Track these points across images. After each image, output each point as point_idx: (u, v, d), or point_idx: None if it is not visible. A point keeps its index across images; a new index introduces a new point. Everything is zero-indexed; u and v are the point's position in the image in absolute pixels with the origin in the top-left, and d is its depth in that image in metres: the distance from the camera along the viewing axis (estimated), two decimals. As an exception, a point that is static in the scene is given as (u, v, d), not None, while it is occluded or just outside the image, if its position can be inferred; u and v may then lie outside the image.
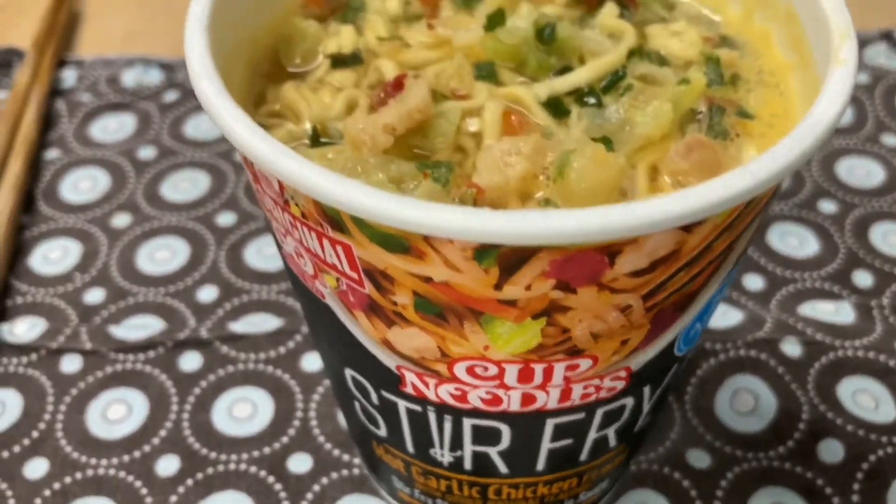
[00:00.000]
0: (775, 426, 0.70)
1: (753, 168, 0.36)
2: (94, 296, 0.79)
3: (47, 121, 0.96)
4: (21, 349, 0.75)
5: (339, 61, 0.51)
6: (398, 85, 0.48)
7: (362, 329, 0.44)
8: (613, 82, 0.49)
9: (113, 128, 0.96)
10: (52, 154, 0.93)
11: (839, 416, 0.70)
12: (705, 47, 0.51)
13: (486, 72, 0.49)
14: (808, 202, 0.87)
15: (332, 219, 0.38)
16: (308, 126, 0.47)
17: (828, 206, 0.87)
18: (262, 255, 0.83)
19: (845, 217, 0.86)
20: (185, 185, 0.90)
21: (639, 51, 0.50)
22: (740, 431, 0.70)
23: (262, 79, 0.51)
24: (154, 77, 1.01)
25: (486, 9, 0.53)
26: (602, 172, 0.42)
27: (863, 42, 1.03)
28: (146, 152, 0.93)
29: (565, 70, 0.50)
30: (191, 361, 0.74)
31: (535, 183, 0.44)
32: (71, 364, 0.74)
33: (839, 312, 0.77)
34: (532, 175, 0.44)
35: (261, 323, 0.77)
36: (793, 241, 0.84)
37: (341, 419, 0.71)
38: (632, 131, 0.46)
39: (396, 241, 0.37)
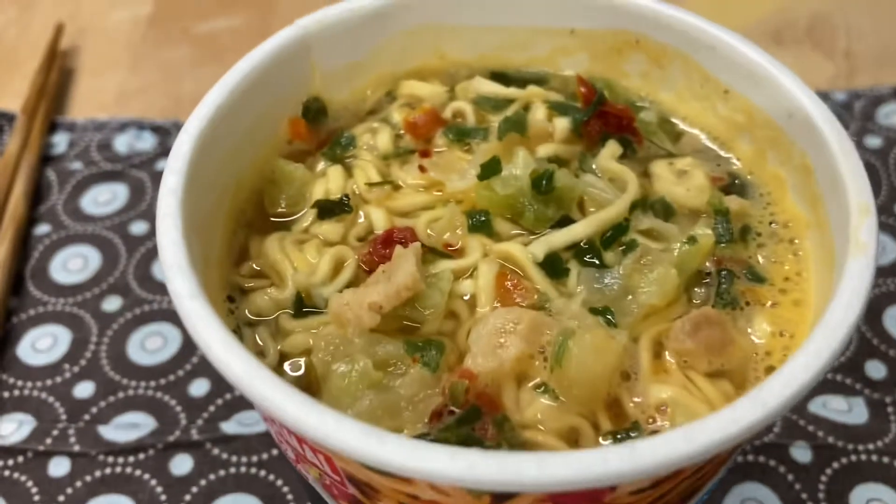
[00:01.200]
0: (785, 541, 0.68)
1: (765, 396, 0.33)
2: (84, 389, 0.77)
3: (37, 191, 0.94)
4: (8, 451, 0.73)
5: (325, 210, 0.48)
6: (388, 241, 0.45)
7: (348, 513, 0.42)
8: (615, 237, 0.46)
9: (104, 199, 0.93)
10: (42, 229, 0.90)
11: (852, 530, 0.68)
12: (714, 193, 0.48)
13: (481, 223, 0.47)
14: (820, 283, 0.84)
15: (313, 434, 0.36)
16: (291, 292, 0.44)
17: (840, 287, 0.84)
18: (255, 343, 0.81)
19: (858, 299, 0.83)
20: (177, 264, 0.87)
21: (642, 202, 0.47)
22: (748, 546, 0.68)
23: (245, 229, 0.48)
24: (147, 142, 0.98)
25: (480, 145, 0.50)
26: (603, 359, 0.40)
27: (875, 101, 0.99)
28: (138, 227, 0.90)
29: (564, 220, 0.47)
30: (182, 465, 0.72)
31: (532, 364, 0.42)
32: (59, 467, 0.72)
33: (852, 411, 0.74)
34: (528, 356, 0.41)
35: (253, 423, 0.74)
36: (804, 327, 0.81)
37: (335, 531, 0.69)
38: (635, 300, 0.43)
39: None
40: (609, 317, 0.43)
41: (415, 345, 0.41)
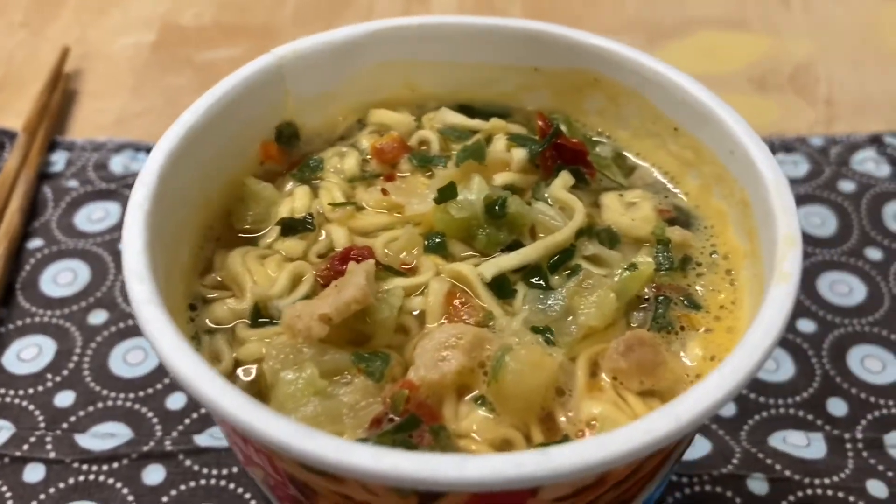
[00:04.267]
0: (738, 570, 0.69)
1: (679, 410, 0.35)
2: (64, 399, 0.79)
3: (33, 207, 0.97)
4: (-14, 456, 0.75)
5: (289, 227, 0.51)
6: (345, 258, 0.48)
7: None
8: (561, 261, 0.48)
9: (97, 216, 0.96)
10: (35, 243, 0.93)
11: (804, 562, 0.69)
12: (658, 224, 0.50)
13: (436, 244, 0.49)
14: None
15: (255, 432, 0.38)
16: (249, 303, 0.47)
17: (807, 326, 0.86)
18: (233, 360, 0.83)
19: (824, 338, 0.84)
20: (163, 281, 0.90)
21: (588, 230, 0.50)
22: (702, 575, 0.69)
23: (213, 243, 0.51)
24: (142, 163, 1.01)
25: (443, 170, 0.53)
26: (538, 375, 0.42)
27: (851, 147, 1.01)
28: (127, 244, 0.93)
29: (515, 244, 0.49)
30: (154, 475, 0.74)
31: (473, 376, 0.44)
32: (34, 473, 0.74)
33: (811, 446, 0.76)
34: (469, 369, 0.43)
35: (225, 437, 0.76)
36: (769, 363, 0.82)
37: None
38: (574, 321, 0.45)
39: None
40: (549, 335, 0.45)
41: (361, 356, 0.44)
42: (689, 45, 1.25)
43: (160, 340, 0.38)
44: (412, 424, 0.41)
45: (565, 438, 0.42)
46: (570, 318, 0.45)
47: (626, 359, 0.43)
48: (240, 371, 0.45)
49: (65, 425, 0.80)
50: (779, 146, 1.03)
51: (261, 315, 0.47)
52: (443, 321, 0.46)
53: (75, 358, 0.86)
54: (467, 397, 0.43)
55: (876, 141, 1.06)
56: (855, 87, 1.15)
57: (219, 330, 0.47)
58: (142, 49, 1.23)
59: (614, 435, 0.35)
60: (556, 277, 0.48)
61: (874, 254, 0.95)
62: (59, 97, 1.13)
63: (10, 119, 1.10)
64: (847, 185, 1.01)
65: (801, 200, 0.97)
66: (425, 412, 0.42)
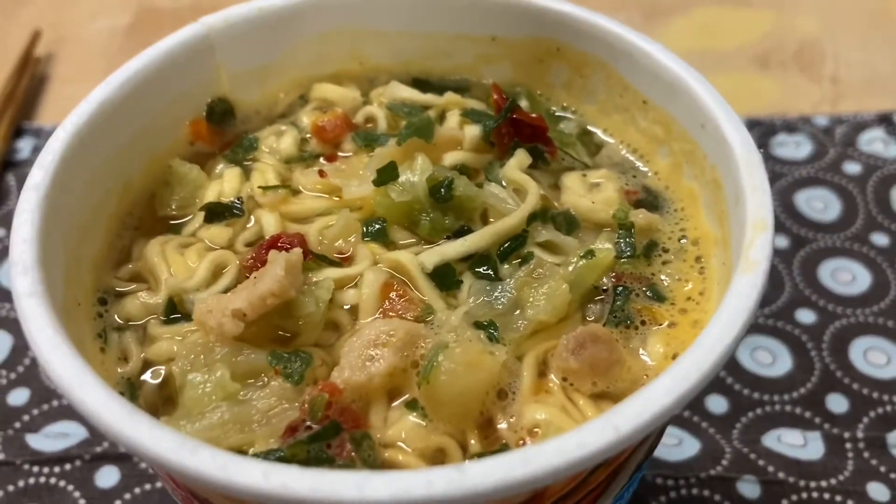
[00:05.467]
0: (726, 581, 0.64)
1: (618, 420, 0.30)
2: (18, 397, 0.76)
3: (-5, 196, 0.93)
4: (-67, 458, 0.71)
5: (214, 213, 0.46)
6: (272, 247, 0.43)
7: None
8: (512, 249, 0.43)
9: (62, 205, 0.92)
10: (-4, 233, 0.90)
11: (797, 572, 0.64)
12: (622, 206, 0.45)
13: (376, 231, 0.44)
14: (785, 311, 0.81)
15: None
16: (164, 297, 0.42)
17: (806, 316, 0.81)
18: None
19: (825, 329, 0.79)
20: (127, 273, 0.86)
21: (542, 214, 0.45)
22: (687, 584, 0.64)
23: (132, 231, 0.46)
24: (111, 150, 0.97)
25: (384, 149, 0.48)
26: (475, 375, 0.37)
27: (858, 126, 0.96)
28: (92, 234, 0.89)
29: (463, 231, 0.45)
30: (108, 477, 0.70)
31: (405, 378, 0.39)
32: (-18, 476, 0.70)
33: (808, 445, 0.71)
34: (401, 370, 0.39)
35: (184, 437, 0.72)
36: (765, 357, 0.77)
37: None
38: (522, 314, 0.41)
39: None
40: (492, 331, 0.40)
41: (279, 355, 0.39)
42: (687, 23, 1.19)
43: (36, 338, 0.33)
44: (331, 433, 0.37)
45: (504, 448, 0.37)
46: (518, 311, 0.41)
47: (577, 357, 0.38)
48: (149, 373, 0.41)
49: (17, 425, 0.77)
50: (780, 126, 0.98)
51: (176, 310, 0.42)
52: (378, 316, 0.41)
53: (32, 353, 0.82)
54: (398, 402, 0.39)
55: (885, 120, 1.00)
56: (863, 65, 1.10)
57: (129, 327, 0.42)
58: (116, 33, 1.19)
59: (543, 448, 0.30)
60: (507, 267, 0.43)
61: (880, 239, 0.89)
62: (28, 82, 1.09)
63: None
64: (853, 167, 0.95)
65: (802, 183, 0.92)
66: (349, 418, 0.37)
